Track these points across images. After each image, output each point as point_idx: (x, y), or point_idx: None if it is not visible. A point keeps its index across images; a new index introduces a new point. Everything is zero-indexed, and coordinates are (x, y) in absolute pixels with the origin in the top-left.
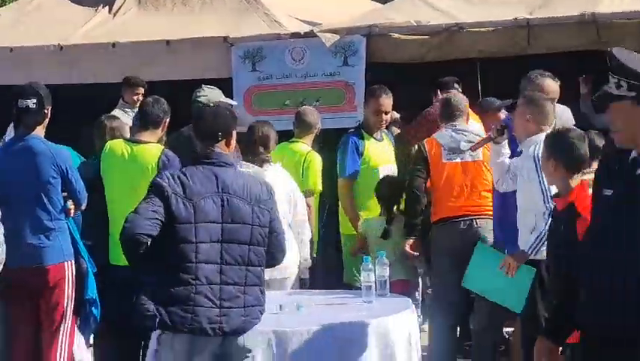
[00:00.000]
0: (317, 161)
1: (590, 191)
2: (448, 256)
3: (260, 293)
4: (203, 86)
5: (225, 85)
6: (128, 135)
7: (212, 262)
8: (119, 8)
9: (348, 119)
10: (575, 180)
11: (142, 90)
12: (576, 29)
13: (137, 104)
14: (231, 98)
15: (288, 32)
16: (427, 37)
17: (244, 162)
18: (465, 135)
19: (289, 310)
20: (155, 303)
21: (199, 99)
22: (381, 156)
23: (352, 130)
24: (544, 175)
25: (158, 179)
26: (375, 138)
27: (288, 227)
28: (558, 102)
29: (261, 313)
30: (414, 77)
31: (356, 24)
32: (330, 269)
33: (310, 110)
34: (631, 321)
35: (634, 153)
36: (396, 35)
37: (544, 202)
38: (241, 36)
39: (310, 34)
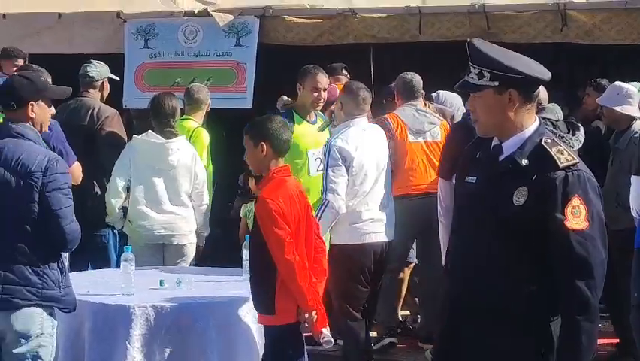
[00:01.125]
0: (204, 137)
1: None
2: (404, 230)
3: (29, 273)
4: (92, 60)
5: (117, 61)
6: None
7: None
8: None
9: (238, 99)
10: None
11: (21, 62)
12: (466, 19)
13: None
14: (122, 74)
15: (182, 10)
16: (320, 20)
17: (152, 133)
18: (426, 116)
19: (169, 285)
20: None
21: (89, 73)
22: (310, 138)
23: (283, 112)
24: None
25: None
26: (307, 121)
27: (188, 197)
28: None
29: (34, 294)
30: (306, 60)
31: (250, 5)
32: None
33: (200, 88)
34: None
35: (495, 141)
36: (290, 17)
37: None
38: (134, 12)
39: (204, 13)
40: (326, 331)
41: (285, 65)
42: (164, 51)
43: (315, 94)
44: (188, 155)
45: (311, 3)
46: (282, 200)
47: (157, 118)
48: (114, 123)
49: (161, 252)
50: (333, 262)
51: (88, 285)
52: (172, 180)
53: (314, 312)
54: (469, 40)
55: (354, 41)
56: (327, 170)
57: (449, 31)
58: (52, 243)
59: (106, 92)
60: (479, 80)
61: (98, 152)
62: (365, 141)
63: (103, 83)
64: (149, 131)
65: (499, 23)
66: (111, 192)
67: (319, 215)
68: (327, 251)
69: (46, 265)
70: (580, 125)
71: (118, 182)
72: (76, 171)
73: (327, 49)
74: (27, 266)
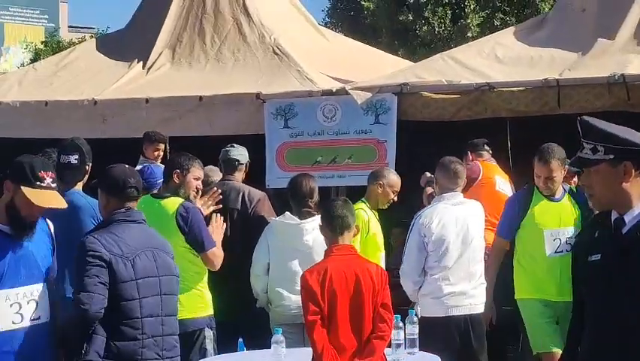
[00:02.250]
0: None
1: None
2: None
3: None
4: (234, 144)
5: (258, 141)
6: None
7: (155, 315)
8: (153, 64)
9: None
10: None
11: (162, 146)
12: (605, 90)
13: (158, 160)
14: (264, 154)
15: (320, 89)
16: (457, 95)
17: (289, 214)
18: None
19: None
20: (104, 358)
21: (235, 157)
22: (547, 216)
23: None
24: None
25: (93, 245)
26: (547, 197)
27: None
28: None
29: None
30: (445, 135)
31: (387, 82)
32: None
33: None
34: None
35: (614, 215)
36: (427, 94)
37: None
38: (273, 93)
39: (342, 92)
40: None
41: (424, 141)
42: (304, 130)
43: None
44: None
45: (448, 79)
46: (317, 277)
47: (294, 199)
48: (265, 207)
49: (302, 332)
50: (423, 334)
51: None
52: (309, 260)
53: None
54: (579, 118)
55: (491, 116)
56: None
57: (589, 102)
58: None
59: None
60: (594, 154)
61: (250, 235)
62: (452, 215)
63: (246, 165)
64: (287, 212)
65: (638, 93)
66: (253, 276)
67: None
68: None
69: None
70: None
71: (258, 266)
72: (218, 254)
73: (464, 124)
74: None
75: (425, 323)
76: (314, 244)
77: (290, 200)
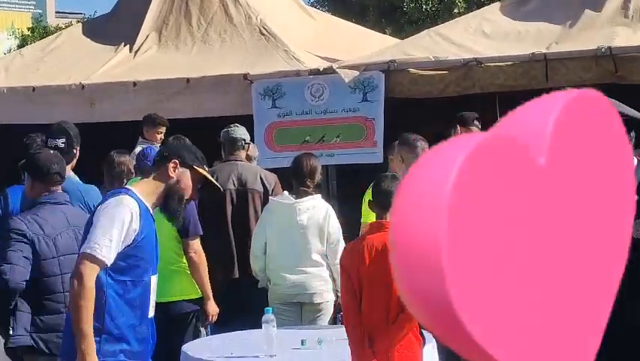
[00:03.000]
0: None
1: None
2: None
3: None
4: (236, 124)
5: (246, 121)
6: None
7: None
8: (140, 47)
9: (369, 154)
10: None
11: (164, 129)
12: (593, 63)
13: (159, 143)
14: (252, 135)
15: (307, 69)
16: (445, 72)
17: (286, 194)
18: None
19: (310, 345)
20: (30, 332)
21: (242, 137)
22: None
23: None
24: None
25: (17, 225)
26: None
27: (321, 256)
28: None
29: None
30: (433, 112)
31: (375, 60)
32: None
33: None
34: None
35: None
36: (415, 70)
37: None
38: (260, 73)
39: (329, 71)
40: None
41: (413, 119)
42: (292, 110)
43: None
44: (320, 214)
45: (435, 55)
46: (350, 252)
47: (295, 178)
48: (280, 188)
49: (299, 311)
50: None
51: (232, 346)
52: (303, 240)
53: None
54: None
55: (480, 91)
56: None
57: (576, 75)
58: None
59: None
60: None
61: None
62: None
63: (249, 145)
64: (285, 192)
65: (627, 65)
66: (251, 256)
67: None
68: None
69: None
70: None
71: (256, 245)
72: (199, 248)
73: (453, 100)
74: None
75: None
76: (308, 223)
77: (291, 179)
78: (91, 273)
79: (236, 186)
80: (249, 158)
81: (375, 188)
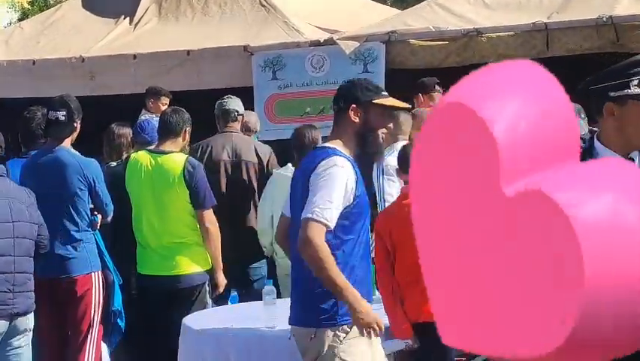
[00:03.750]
0: None
1: None
2: None
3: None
4: (230, 95)
5: (246, 93)
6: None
7: (7, 254)
8: (140, 19)
9: None
10: None
11: (168, 100)
12: (594, 32)
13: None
14: (252, 107)
15: (308, 40)
16: (445, 42)
17: (290, 166)
18: None
19: None
20: None
21: (236, 109)
22: None
23: None
24: None
25: None
26: None
27: None
28: None
29: None
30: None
31: (375, 31)
32: None
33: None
34: None
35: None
36: (415, 41)
37: None
38: (261, 45)
39: (329, 42)
40: None
41: (414, 89)
42: (293, 82)
43: None
44: None
45: (435, 26)
46: (384, 217)
47: (297, 150)
48: (275, 160)
49: None
50: None
51: (231, 318)
52: None
53: None
54: None
55: (480, 61)
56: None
57: (577, 45)
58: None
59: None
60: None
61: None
62: None
63: (243, 117)
64: (289, 164)
65: (628, 34)
66: (259, 230)
67: None
68: None
69: None
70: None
71: (263, 219)
72: (212, 218)
73: (453, 70)
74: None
75: None
76: None
77: (293, 151)
78: (319, 234)
79: (231, 157)
80: (247, 129)
81: (403, 156)
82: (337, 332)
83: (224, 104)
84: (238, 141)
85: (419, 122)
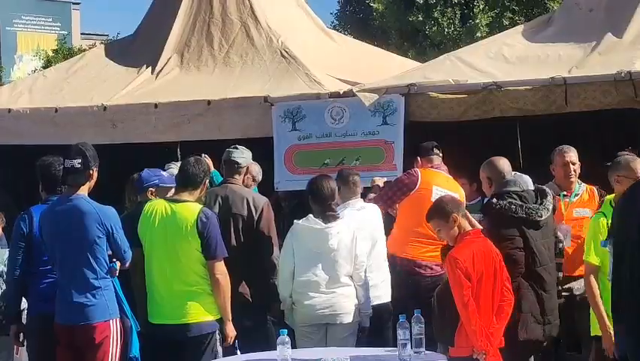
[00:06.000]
0: None
1: None
2: None
3: None
4: (237, 145)
5: (266, 144)
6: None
7: None
8: (162, 69)
9: (389, 178)
10: None
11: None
12: (612, 88)
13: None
14: (272, 157)
15: (328, 92)
16: (465, 95)
17: (312, 217)
18: None
19: None
20: None
21: (237, 160)
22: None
23: None
24: None
25: None
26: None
27: (349, 278)
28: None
29: None
30: (453, 136)
31: (394, 83)
32: None
33: None
34: None
35: None
36: (435, 94)
37: None
38: (281, 96)
39: (349, 94)
40: None
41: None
42: (312, 133)
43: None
44: (348, 237)
45: (455, 78)
46: (466, 257)
47: (317, 202)
48: (270, 214)
49: (324, 332)
50: None
51: None
52: (332, 263)
53: (483, 352)
54: None
55: (500, 115)
56: None
57: (596, 100)
58: None
59: (246, 178)
60: None
61: (255, 242)
62: (359, 219)
63: (247, 168)
64: (310, 215)
65: None
66: (280, 282)
67: None
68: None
69: None
70: (548, 192)
71: (285, 271)
72: (223, 269)
73: (473, 124)
74: None
75: None
76: (339, 246)
77: (311, 202)
78: None
79: (221, 209)
80: (254, 179)
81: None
82: None
83: (229, 154)
84: (232, 194)
85: None
